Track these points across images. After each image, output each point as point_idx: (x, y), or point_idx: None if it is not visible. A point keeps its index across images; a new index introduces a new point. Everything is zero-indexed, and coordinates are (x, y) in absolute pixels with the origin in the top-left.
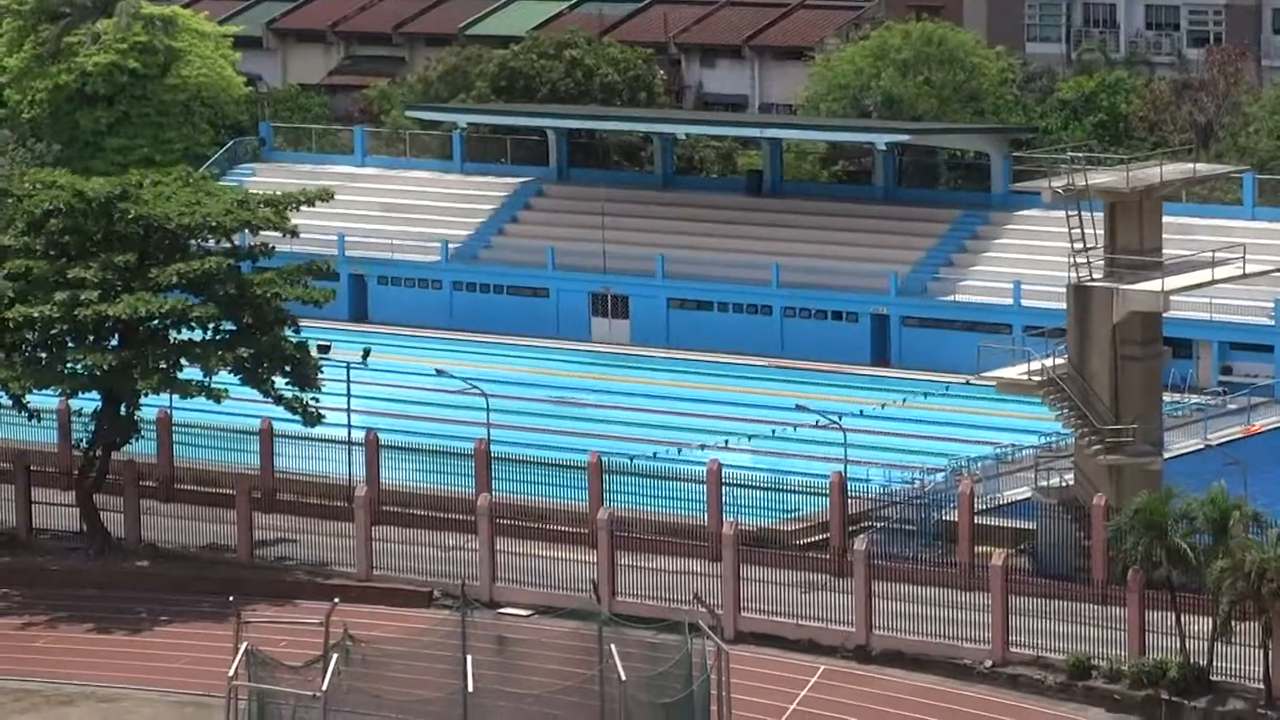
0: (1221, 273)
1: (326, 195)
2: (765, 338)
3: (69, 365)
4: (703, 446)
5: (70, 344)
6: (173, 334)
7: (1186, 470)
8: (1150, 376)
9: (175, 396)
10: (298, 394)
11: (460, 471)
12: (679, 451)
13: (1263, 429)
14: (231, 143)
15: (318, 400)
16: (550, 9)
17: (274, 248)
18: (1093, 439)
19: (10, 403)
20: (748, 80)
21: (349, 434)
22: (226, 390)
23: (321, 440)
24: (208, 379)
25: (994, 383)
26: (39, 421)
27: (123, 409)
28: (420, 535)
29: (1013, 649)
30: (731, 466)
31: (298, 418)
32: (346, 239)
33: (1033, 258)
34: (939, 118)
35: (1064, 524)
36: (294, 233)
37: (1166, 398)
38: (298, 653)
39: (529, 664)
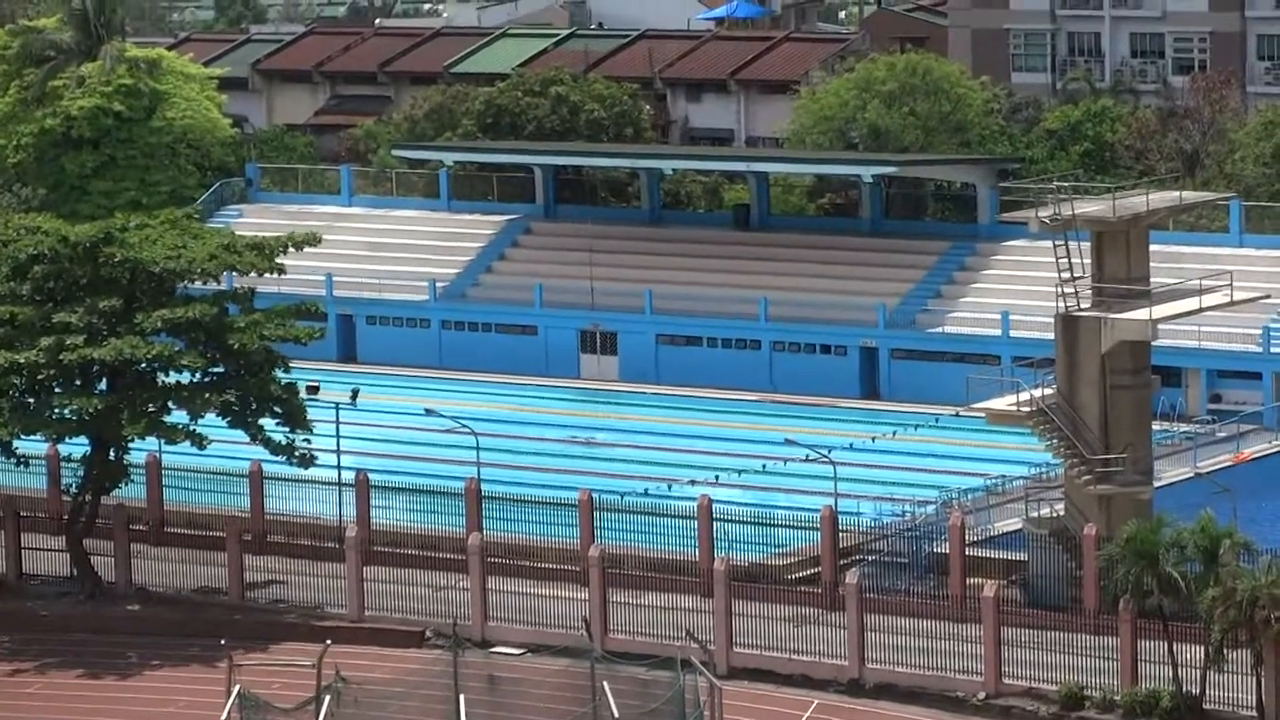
0: (1209, 300)
1: (313, 240)
2: (754, 372)
3: (56, 410)
4: (693, 482)
5: (57, 389)
6: (160, 377)
7: (1177, 499)
8: (1139, 405)
9: (165, 441)
10: (288, 436)
11: (451, 511)
12: (669, 487)
13: (1252, 456)
14: (218, 184)
15: (309, 442)
16: (535, 46)
17: (255, 290)
18: (1083, 469)
19: None
20: (733, 114)
21: (339, 475)
22: (206, 436)
23: (311, 482)
24: (194, 423)
25: (983, 414)
26: (28, 467)
27: (111, 453)
28: (411, 575)
29: (1006, 680)
30: (722, 502)
31: (286, 460)
32: (334, 279)
33: (1021, 288)
34: (925, 149)
35: (1055, 554)
36: (280, 270)
37: (1156, 426)
38: (290, 694)
39: (521, 703)
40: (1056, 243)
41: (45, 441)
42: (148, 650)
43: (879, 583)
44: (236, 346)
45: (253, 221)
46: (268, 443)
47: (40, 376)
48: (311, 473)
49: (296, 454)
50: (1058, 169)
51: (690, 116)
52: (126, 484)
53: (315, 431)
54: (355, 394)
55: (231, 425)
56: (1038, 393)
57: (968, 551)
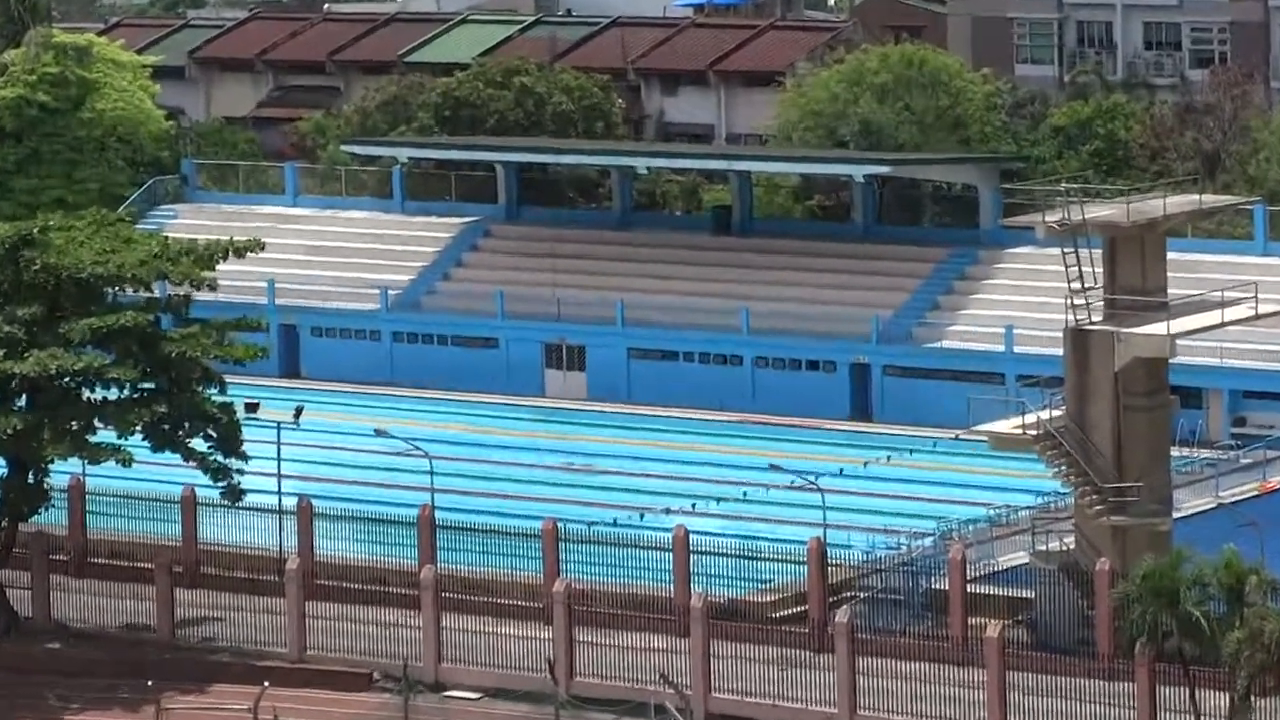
0: (1232, 314)
1: (256, 245)
2: (735, 390)
3: None
4: (667, 511)
5: None
6: (85, 393)
7: (1197, 532)
8: (1156, 428)
9: (88, 462)
10: (222, 462)
11: (402, 541)
12: (641, 517)
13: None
14: (150, 182)
15: (242, 472)
16: (498, 33)
17: (191, 297)
18: (1094, 498)
19: None
20: (713, 109)
21: (279, 501)
22: (133, 456)
23: (250, 509)
24: (122, 441)
25: (986, 438)
26: None
27: (31, 475)
28: (358, 611)
29: None
30: (699, 533)
31: (218, 485)
32: (277, 286)
33: (1026, 299)
34: (921, 147)
35: (1065, 592)
36: (212, 287)
37: (1174, 452)
38: None
39: None
40: (1065, 250)
41: None
42: (68, 692)
43: (872, 622)
44: (173, 355)
45: (188, 222)
46: (203, 463)
47: None
48: (250, 499)
49: (226, 484)
50: (1066, 170)
51: (666, 111)
52: (46, 509)
53: (254, 454)
54: (299, 412)
55: (156, 448)
56: (1045, 414)
57: (969, 588)
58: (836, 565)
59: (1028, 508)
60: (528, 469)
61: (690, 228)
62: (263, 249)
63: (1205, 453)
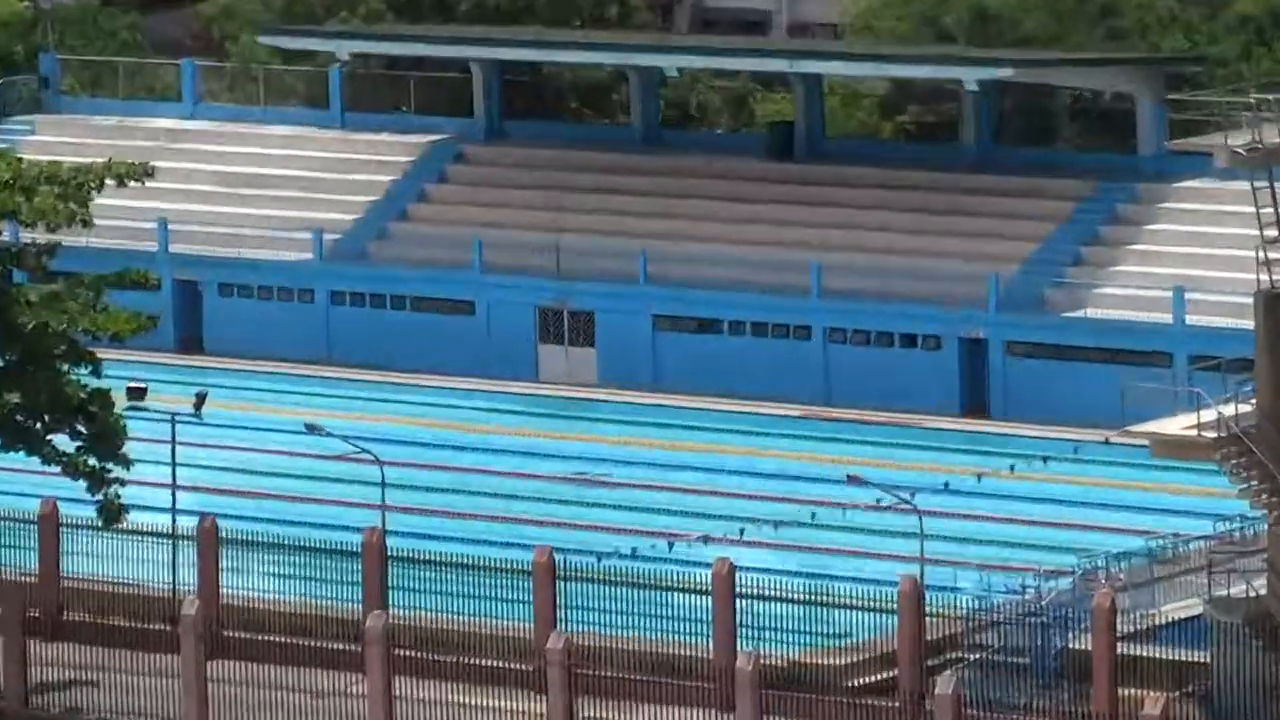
0: None
1: (142, 171)
2: (800, 374)
3: None
4: (706, 539)
5: None
6: None
7: None
8: None
9: None
10: (96, 466)
11: (341, 577)
12: (670, 547)
13: None
14: None
15: (124, 482)
16: None
17: (54, 244)
18: None
19: None
20: None
21: (173, 521)
22: None
23: (133, 533)
24: None
25: (1146, 441)
26: None
27: None
28: (279, 673)
29: None
30: (749, 569)
31: (91, 498)
32: (170, 227)
33: (1201, 252)
34: (1056, 43)
35: (1252, 653)
36: (85, 222)
37: None
38: None
39: None
40: (1255, 184)
41: None
42: None
43: (986, 693)
44: (28, 325)
45: (49, 140)
46: (69, 465)
47: None
48: (134, 517)
49: (102, 497)
50: (1257, 75)
51: None
52: None
53: (140, 458)
54: (201, 400)
55: (7, 446)
56: (1228, 410)
57: (1120, 648)
58: (938, 615)
59: (1202, 538)
60: (515, 480)
61: (739, 151)
62: (151, 176)
63: None
